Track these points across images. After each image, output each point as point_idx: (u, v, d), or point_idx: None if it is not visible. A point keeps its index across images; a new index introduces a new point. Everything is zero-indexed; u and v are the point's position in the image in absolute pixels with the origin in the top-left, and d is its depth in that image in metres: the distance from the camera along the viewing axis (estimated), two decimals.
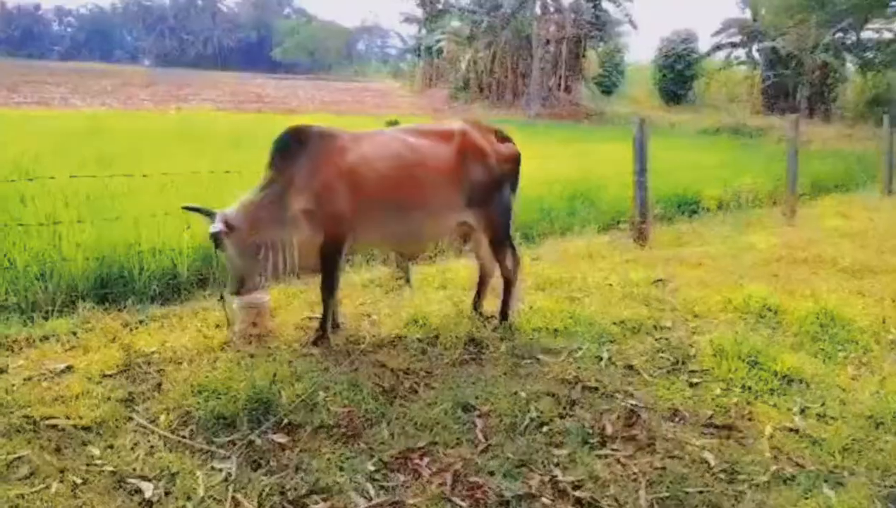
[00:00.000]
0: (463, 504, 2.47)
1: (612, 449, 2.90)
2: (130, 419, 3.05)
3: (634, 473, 2.70)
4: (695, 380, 3.65)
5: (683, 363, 3.84)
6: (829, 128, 23.84)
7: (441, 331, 4.16)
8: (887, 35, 25.18)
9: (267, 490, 2.53)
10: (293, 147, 3.72)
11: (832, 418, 3.20)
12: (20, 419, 2.98)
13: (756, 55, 28.84)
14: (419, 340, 4.05)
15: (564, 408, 3.27)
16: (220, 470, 2.65)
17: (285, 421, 2.98)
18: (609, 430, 3.06)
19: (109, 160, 9.85)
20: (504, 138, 4.21)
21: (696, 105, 29.67)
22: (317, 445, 2.85)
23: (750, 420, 3.19)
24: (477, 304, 4.51)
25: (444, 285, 5.40)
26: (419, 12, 39.14)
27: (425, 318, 4.35)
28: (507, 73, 28.74)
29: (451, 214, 4.03)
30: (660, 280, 5.52)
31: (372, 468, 2.69)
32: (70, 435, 2.89)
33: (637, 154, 7.37)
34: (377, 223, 3.85)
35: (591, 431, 3.05)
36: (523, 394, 3.37)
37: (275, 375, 3.26)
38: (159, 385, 3.36)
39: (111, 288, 5.56)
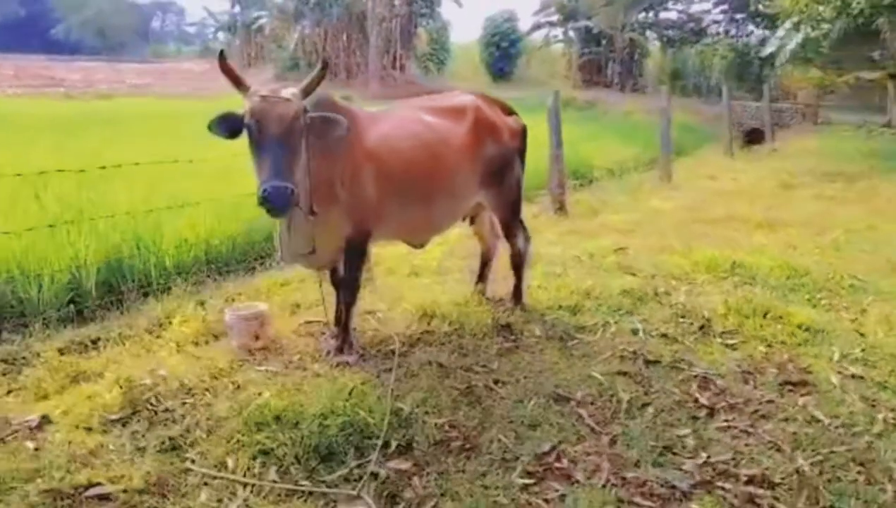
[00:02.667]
0: (649, 503, 2.27)
1: (726, 421, 2.85)
2: (188, 470, 2.44)
3: (770, 441, 2.67)
4: (731, 341, 3.72)
5: (710, 326, 3.91)
6: (645, 99, 26.13)
7: (463, 321, 3.86)
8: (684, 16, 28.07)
9: None
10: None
11: (874, 361, 3.42)
12: (45, 495, 2.26)
13: (572, 34, 30.74)
14: (447, 334, 3.72)
15: (645, 386, 3.17)
16: None
17: (393, 444, 2.56)
18: (705, 401, 3.02)
19: None
20: (510, 111, 3.97)
21: (521, 81, 31.00)
22: (443, 466, 2.48)
23: (809, 373, 3.31)
24: (481, 288, 4.26)
25: (415, 272, 5.07)
26: None
27: (436, 309, 4.01)
28: (339, 52, 27.95)
29: (470, 196, 3.74)
30: (620, 248, 5.62)
31: (521, 480, 2.39)
32: (129, 505, 2.24)
33: (553, 126, 7.46)
34: (400, 211, 3.44)
35: (691, 406, 2.98)
36: (599, 377, 3.22)
37: (351, 392, 2.79)
38: (196, 423, 2.74)
39: (5, 313, 4.55)
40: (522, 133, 3.98)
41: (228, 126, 2.86)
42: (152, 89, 24.94)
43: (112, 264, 5.20)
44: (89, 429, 2.75)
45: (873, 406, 2.95)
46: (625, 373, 3.28)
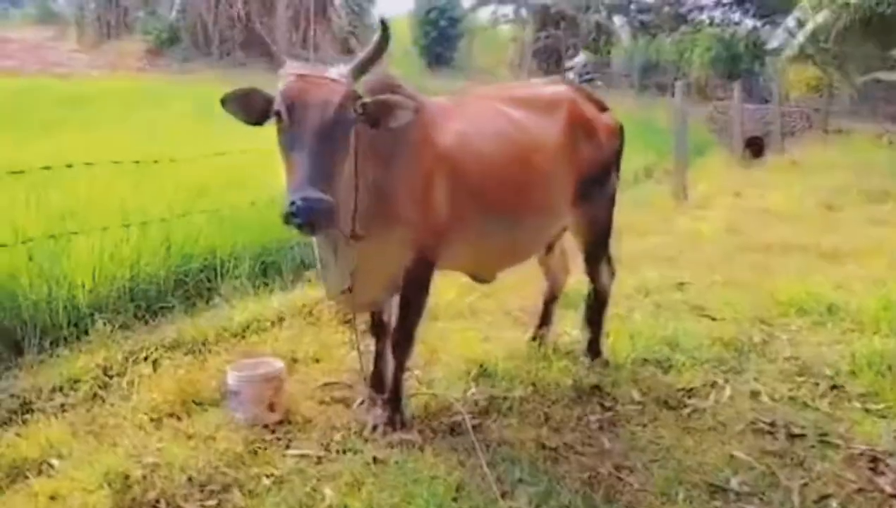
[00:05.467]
0: None
1: None
2: None
3: None
4: (874, 407, 3.63)
5: (841, 387, 3.85)
6: (615, 95, 26.82)
7: (535, 382, 3.68)
8: None
9: None
10: None
11: None
12: None
13: (524, 13, 31.34)
14: (522, 399, 3.51)
15: (807, 469, 3.05)
16: None
17: None
18: (890, 489, 2.93)
19: None
20: (603, 107, 3.82)
21: (463, 69, 31.23)
22: None
23: None
24: (542, 334, 4.08)
25: (434, 316, 4.74)
26: None
27: (491, 365, 3.80)
28: (233, 25, 27.31)
29: (562, 215, 3.58)
30: (681, 283, 5.58)
31: None
32: None
33: None
34: (479, 234, 3.21)
35: (877, 496, 2.88)
36: (745, 458, 3.09)
37: (458, 489, 2.52)
38: None
39: None
40: (620, 133, 3.84)
41: (252, 108, 2.63)
42: None
43: (5, 304, 4.68)
44: None
45: None
46: (772, 453, 3.16)
